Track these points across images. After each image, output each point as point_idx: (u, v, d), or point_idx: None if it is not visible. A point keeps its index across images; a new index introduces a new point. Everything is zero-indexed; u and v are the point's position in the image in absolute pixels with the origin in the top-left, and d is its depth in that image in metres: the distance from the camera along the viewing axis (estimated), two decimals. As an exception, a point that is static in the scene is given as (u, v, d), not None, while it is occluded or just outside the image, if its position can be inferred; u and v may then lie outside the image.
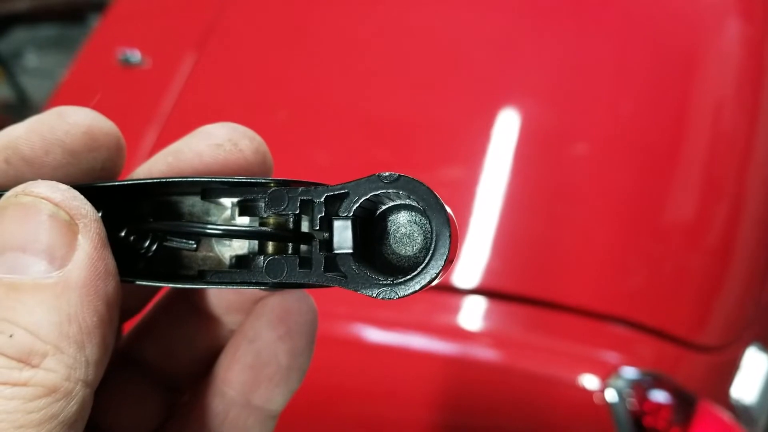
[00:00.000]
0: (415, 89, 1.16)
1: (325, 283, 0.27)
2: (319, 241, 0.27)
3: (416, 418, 0.95)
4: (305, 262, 0.27)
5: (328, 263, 0.27)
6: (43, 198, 0.24)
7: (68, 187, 0.25)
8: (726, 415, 0.92)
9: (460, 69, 1.17)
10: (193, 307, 0.31)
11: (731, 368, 1.03)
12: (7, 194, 0.24)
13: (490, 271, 0.98)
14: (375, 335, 0.97)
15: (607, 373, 0.88)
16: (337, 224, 0.28)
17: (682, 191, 1.08)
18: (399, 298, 0.26)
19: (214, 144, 0.30)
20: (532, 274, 0.99)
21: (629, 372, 0.89)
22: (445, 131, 1.12)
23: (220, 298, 0.31)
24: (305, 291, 0.31)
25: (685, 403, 0.90)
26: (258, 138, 0.31)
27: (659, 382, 0.90)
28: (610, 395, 0.87)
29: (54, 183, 0.25)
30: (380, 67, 1.19)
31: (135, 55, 1.26)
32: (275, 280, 0.27)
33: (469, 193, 1.04)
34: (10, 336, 0.23)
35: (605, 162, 1.07)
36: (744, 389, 1.03)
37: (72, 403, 0.23)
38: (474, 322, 0.96)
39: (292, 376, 0.30)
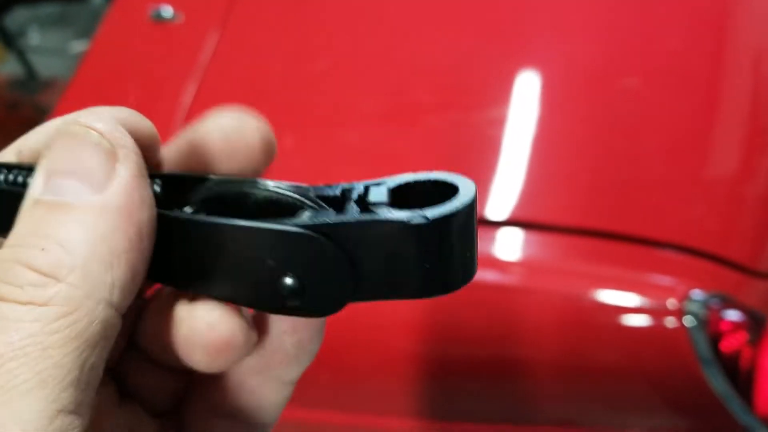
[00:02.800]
0: (459, 29, 1.15)
1: (360, 219, 0.27)
2: (355, 200, 0.28)
3: (481, 352, 0.96)
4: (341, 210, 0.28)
5: (362, 208, 0.28)
6: (89, 128, 0.25)
7: (113, 117, 0.26)
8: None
9: (506, 6, 1.16)
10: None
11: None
12: (62, 122, 0.26)
13: (551, 204, 0.98)
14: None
15: (679, 298, 0.88)
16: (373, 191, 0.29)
17: (733, 125, 1.08)
18: (429, 221, 0.26)
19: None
20: (591, 207, 0.99)
21: (699, 295, 0.89)
22: (483, 72, 1.11)
23: None
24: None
25: (757, 324, 0.90)
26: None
27: (730, 303, 0.90)
28: (687, 319, 0.87)
29: (100, 113, 0.26)
30: (423, 8, 1.18)
31: (167, 10, 1.24)
32: (315, 222, 0.27)
33: (521, 130, 1.03)
34: (42, 249, 0.24)
35: (656, 94, 1.07)
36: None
37: (94, 323, 0.23)
38: (538, 255, 0.96)
39: (302, 358, 0.30)
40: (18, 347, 0.22)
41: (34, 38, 2.59)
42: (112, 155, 0.25)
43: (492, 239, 0.96)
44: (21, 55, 2.27)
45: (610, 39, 1.11)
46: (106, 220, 0.24)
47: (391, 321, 0.96)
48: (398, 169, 1.01)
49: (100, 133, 0.25)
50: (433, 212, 0.26)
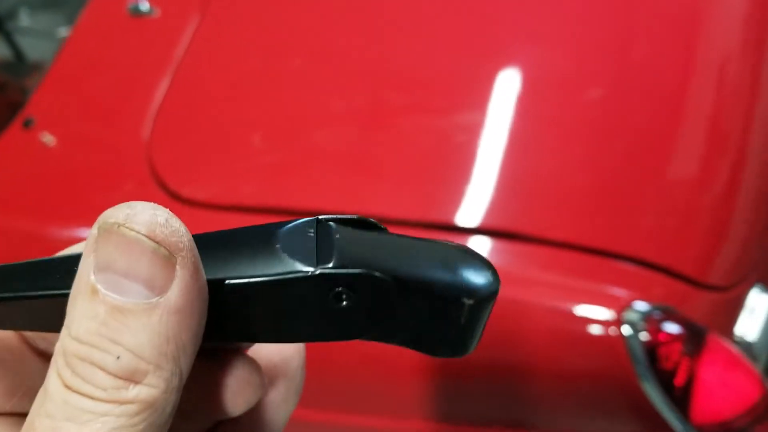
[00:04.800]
0: (427, 34, 1.17)
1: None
2: None
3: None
4: None
5: None
6: (146, 235, 0.26)
7: (167, 217, 0.27)
8: (734, 348, 0.95)
9: (473, 13, 1.18)
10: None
11: (736, 307, 1.07)
12: (112, 218, 0.26)
13: (504, 211, 1.01)
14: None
15: (620, 307, 0.91)
16: None
17: (692, 134, 1.10)
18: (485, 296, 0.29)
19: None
20: (544, 215, 1.01)
21: (641, 306, 0.92)
22: (458, 76, 1.13)
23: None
24: None
25: (695, 336, 0.93)
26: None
27: (671, 315, 0.93)
28: (625, 328, 0.89)
29: (153, 213, 0.27)
30: (393, 13, 1.20)
31: (144, 4, 1.26)
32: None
33: (480, 134, 1.05)
34: (118, 357, 0.25)
35: (616, 105, 1.09)
36: (747, 328, 1.07)
37: (167, 408, 0.26)
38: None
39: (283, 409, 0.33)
40: None
41: (23, 20, 2.60)
42: (170, 260, 0.26)
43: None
44: (10, 38, 2.29)
45: (578, 48, 1.13)
46: (171, 320, 0.26)
47: None
48: (366, 170, 1.04)
49: (158, 243, 0.26)
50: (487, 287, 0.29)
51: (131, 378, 0.25)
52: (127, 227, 0.26)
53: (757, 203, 1.11)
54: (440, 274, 0.29)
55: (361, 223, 0.31)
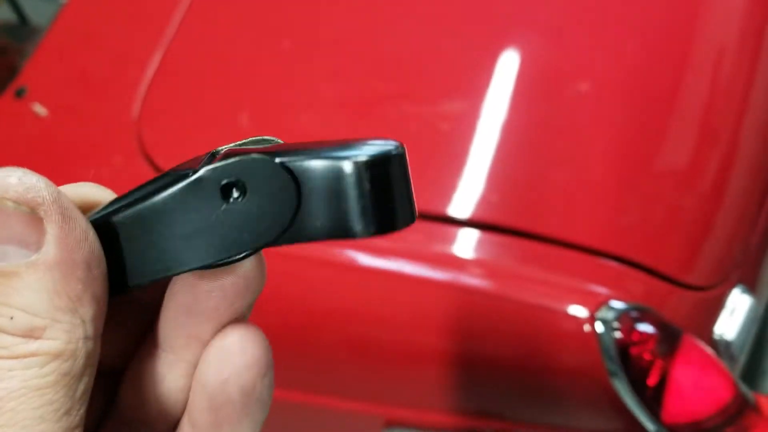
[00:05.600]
0: (417, 23, 1.16)
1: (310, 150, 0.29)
2: None
3: (402, 341, 0.99)
4: None
5: None
6: (1, 197, 0.26)
7: (20, 176, 0.27)
8: (708, 349, 0.95)
9: (463, 3, 1.17)
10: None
11: (716, 307, 1.07)
12: None
13: (486, 203, 1.01)
14: (369, 260, 0.99)
15: (595, 305, 0.91)
16: None
17: (680, 134, 1.10)
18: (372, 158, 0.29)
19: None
20: (526, 208, 1.02)
21: (617, 304, 0.92)
22: (447, 65, 1.13)
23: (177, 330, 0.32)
24: (254, 329, 0.32)
25: (670, 336, 0.93)
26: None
27: (646, 315, 0.93)
28: (599, 325, 0.90)
29: (6, 175, 0.27)
30: (382, 1, 1.20)
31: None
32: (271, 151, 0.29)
33: (468, 127, 1.06)
34: (11, 318, 0.26)
35: (604, 102, 1.09)
36: (727, 327, 1.07)
37: (78, 359, 0.27)
38: (467, 252, 0.98)
39: (253, 411, 0.31)
40: (15, 390, 0.26)
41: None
42: (35, 217, 0.27)
43: (425, 233, 0.99)
44: (14, 1, 2.28)
45: (564, 42, 1.12)
46: (53, 275, 0.26)
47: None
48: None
49: (15, 201, 0.26)
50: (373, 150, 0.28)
51: (30, 335, 0.26)
52: None
53: (741, 203, 1.11)
54: (327, 150, 0.29)
55: (260, 141, 0.31)
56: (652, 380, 0.91)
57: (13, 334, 0.26)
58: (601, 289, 0.95)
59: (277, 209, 0.29)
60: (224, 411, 0.31)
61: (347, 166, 0.28)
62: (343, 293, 1.00)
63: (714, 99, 1.13)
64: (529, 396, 0.98)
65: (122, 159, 1.11)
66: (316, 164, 0.29)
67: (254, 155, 0.29)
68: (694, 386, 0.94)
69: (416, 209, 0.30)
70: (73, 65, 1.24)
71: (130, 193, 0.30)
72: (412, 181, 0.30)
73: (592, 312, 0.91)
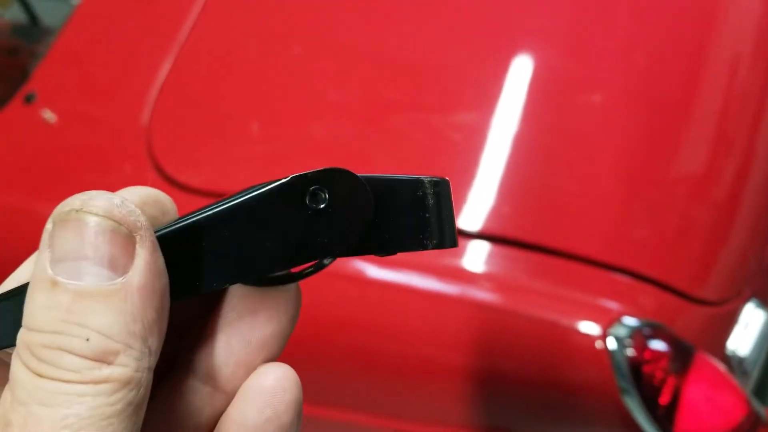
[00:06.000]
0: (428, 31, 1.15)
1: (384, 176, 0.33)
2: None
3: (415, 355, 0.98)
4: None
5: None
6: (104, 216, 0.27)
7: (122, 200, 0.27)
8: (721, 366, 0.94)
9: (475, 11, 1.16)
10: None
11: (729, 322, 1.06)
12: (68, 206, 0.27)
13: (497, 216, 1.00)
14: (379, 273, 0.99)
15: (608, 321, 0.90)
16: None
17: (692, 145, 1.09)
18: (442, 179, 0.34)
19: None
20: (537, 221, 1.01)
21: (630, 321, 0.91)
22: (458, 74, 1.12)
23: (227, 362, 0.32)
24: (290, 369, 0.33)
25: (682, 353, 0.92)
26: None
27: (659, 332, 0.92)
28: (611, 342, 0.89)
29: (109, 197, 0.27)
30: (395, 8, 1.19)
31: (152, -18, 1.26)
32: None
33: (478, 137, 1.05)
34: (87, 339, 0.26)
35: (616, 112, 1.08)
36: (740, 342, 1.06)
37: (142, 388, 0.27)
38: (479, 265, 0.97)
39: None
40: (85, 417, 0.25)
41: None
42: (130, 239, 0.27)
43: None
44: (25, 2, 2.28)
45: (575, 52, 1.11)
46: (135, 299, 0.27)
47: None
48: (360, 165, 1.03)
49: (117, 222, 0.27)
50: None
51: (103, 359, 0.26)
52: (84, 211, 0.27)
53: (755, 215, 1.09)
54: (396, 176, 0.32)
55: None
56: (664, 398, 0.90)
57: (86, 357, 0.26)
58: (613, 305, 0.94)
59: (354, 220, 0.31)
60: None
61: (419, 184, 0.33)
62: (353, 306, 1.00)
63: (727, 109, 1.12)
64: (539, 412, 0.97)
65: (131, 166, 1.11)
66: (392, 182, 0.32)
67: (343, 171, 0.31)
68: (707, 404, 0.93)
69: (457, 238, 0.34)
70: (83, 71, 1.24)
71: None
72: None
73: (604, 329, 0.90)
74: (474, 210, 0.99)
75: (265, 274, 0.31)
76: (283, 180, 0.31)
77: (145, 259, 0.27)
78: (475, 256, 0.97)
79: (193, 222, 0.31)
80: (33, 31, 2.30)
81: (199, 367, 0.32)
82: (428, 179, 0.33)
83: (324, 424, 1.03)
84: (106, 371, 0.26)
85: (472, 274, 0.96)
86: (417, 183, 0.33)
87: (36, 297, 0.27)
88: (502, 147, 1.03)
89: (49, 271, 0.26)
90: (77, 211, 0.27)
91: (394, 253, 0.33)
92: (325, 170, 0.31)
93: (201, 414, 0.32)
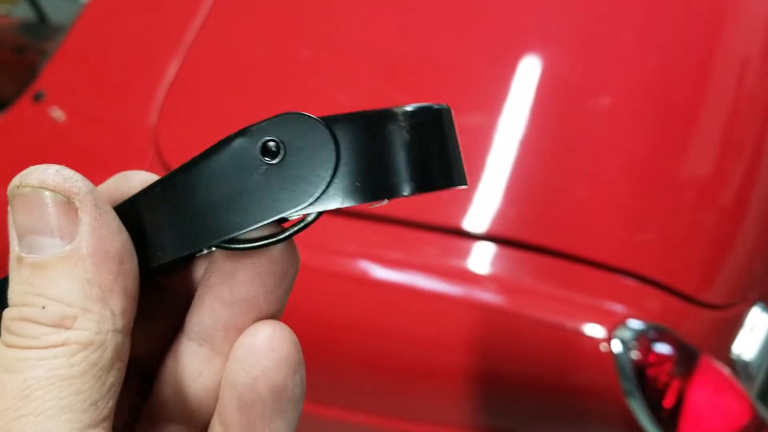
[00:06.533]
0: (436, 33, 1.16)
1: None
2: None
3: (419, 356, 0.98)
4: None
5: None
6: (39, 187, 0.28)
7: (57, 168, 0.28)
8: (726, 370, 0.94)
9: (483, 13, 1.16)
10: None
11: (734, 326, 1.06)
12: (10, 185, 0.28)
13: (503, 217, 1.00)
14: (384, 273, 0.99)
15: (613, 324, 0.91)
16: None
17: (700, 149, 1.09)
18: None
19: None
20: (544, 223, 1.01)
21: (635, 324, 0.91)
22: (466, 76, 1.12)
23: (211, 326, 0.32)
24: (282, 328, 0.31)
25: (687, 357, 0.92)
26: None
27: (664, 335, 0.92)
28: (616, 345, 0.89)
29: (44, 169, 0.28)
30: (402, 10, 1.19)
31: (160, -18, 1.26)
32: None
33: (486, 139, 1.05)
34: (43, 307, 0.27)
35: (624, 115, 1.08)
36: (745, 346, 1.06)
37: (107, 350, 0.27)
38: (484, 267, 0.98)
39: (285, 410, 0.31)
40: (43, 379, 0.26)
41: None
42: (70, 205, 0.28)
43: (441, 247, 0.98)
44: (32, 0, 2.29)
45: (584, 55, 1.11)
46: (86, 265, 0.27)
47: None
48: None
49: (52, 190, 0.28)
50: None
51: (60, 324, 0.27)
52: (23, 185, 0.28)
53: (762, 220, 1.09)
54: (366, 111, 0.28)
55: None
56: (668, 402, 0.90)
57: (44, 324, 0.27)
58: (618, 308, 0.94)
59: (316, 169, 0.28)
60: (255, 410, 0.31)
61: (385, 117, 0.28)
62: (358, 307, 1.00)
63: (736, 113, 1.12)
64: (544, 413, 0.97)
65: (139, 166, 1.11)
66: (355, 120, 0.28)
67: (294, 113, 0.28)
68: (711, 408, 0.93)
69: (465, 176, 0.31)
70: (92, 71, 1.24)
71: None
72: (459, 145, 0.31)
73: (609, 331, 0.90)
74: (480, 212, 0.99)
75: (227, 238, 0.29)
76: (232, 136, 0.29)
77: (88, 224, 0.28)
78: (481, 258, 0.98)
79: (150, 188, 0.30)
80: (41, 29, 2.31)
81: (194, 332, 0.32)
82: (401, 110, 0.28)
83: (328, 424, 1.04)
84: (63, 335, 0.27)
85: (478, 275, 0.96)
86: (387, 116, 0.28)
87: (10, 274, 0.28)
88: (509, 149, 1.03)
89: (16, 248, 0.28)
90: (18, 186, 0.28)
91: (365, 203, 0.29)
92: (273, 118, 0.29)
93: (203, 377, 0.32)
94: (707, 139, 1.09)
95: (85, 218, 0.28)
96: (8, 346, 0.27)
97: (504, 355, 0.94)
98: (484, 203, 1.00)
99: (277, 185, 0.29)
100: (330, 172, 0.28)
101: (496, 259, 0.98)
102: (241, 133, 0.29)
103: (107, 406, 0.27)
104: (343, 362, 1.00)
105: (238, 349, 0.31)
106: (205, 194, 0.29)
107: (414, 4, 1.20)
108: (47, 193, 0.28)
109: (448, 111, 0.30)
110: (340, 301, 0.99)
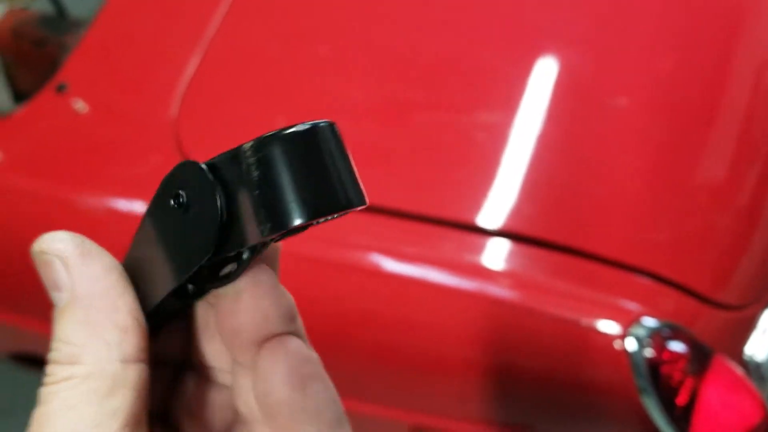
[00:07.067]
0: (453, 31, 1.17)
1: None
2: None
3: (434, 349, 0.99)
4: None
5: None
6: (41, 252, 0.33)
7: (50, 233, 0.34)
8: (739, 370, 0.94)
9: (502, 12, 1.17)
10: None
11: (748, 327, 1.06)
12: (33, 249, 0.34)
13: (519, 214, 1.01)
14: (401, 268, 1.00)
15: (628, 321, 0.91)
16: None
17: (716, 149, 1.09)
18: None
19: None
20: (559, 221, 1.01)
21: (649, 321, 0.92)
22: (483, 74, 1.13)
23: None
24: (288, 341, 0.34)
25: (701, 355, 0.93)
26: None
27: (678, 334, 0.93)
28: (630, 342, 0.90)
29: (41, 235, 0.34)
30: (421, 8, 1.20)
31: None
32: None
33: (502, 137, 1.06)
34: (59, 349, 0.32)
35: (641, 115, 1.08)
36: (758, 347, 1.06)
37: (106, 379, 0.32)
38: (500, 262, 0.98)
39: (304, 420, 0.34)
40: (57, 409, 0.31)
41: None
42: (61, 263, 0.33)
43: (457, 242, 0.99)
44: (52, -7, 2.30)
45: (600, 54, 1.12)
46: (80, 309, 0.32)
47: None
48: (385, 162, 1.04)
49: (50, 253, 0.33)
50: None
51: (71, 361, 0.32)
52: (35, 252, 0.34)
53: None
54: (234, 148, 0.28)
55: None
56: (681, 399, 0.91)
57: (60, 363, 0.32)
58: (633, 306, 0.95)
59: (207, 215, 0.29)
60: (278, 421, 0.34)
61: (239, 155, 0.28)
62: (372, 299, 1.01)
63: (752, 114, 1.12)
64: (556, 409, 0.98)
65: (160, 158, 1.12)
66: (228, 157, 0.28)
67: (186, 162, 0.29)
68: (724, 407, 0.93)
69: (363, 194, 0.29)
70: (114, 63, 1.26)
71: None
72: (348, 159, 0.29)
73: (624, 329, 0.91)
74: (496, 208, 1.00)
75: (171, 289, 0.32)
76: (158, 186, 0.31)
77: (74, 273, 0.33)
78: (497, 254, 0.98)
79: (131, 246, 0.34)
80: (60, 22, 2.32)
81: (209, 363, 0.37)
82: (248, 145, 0.28)
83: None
84: (69, 370, 0.32)
85: (494, 271, 0.97)
86: (237, 154, 0.28)
87: None
88: (526, 147, 1.04)
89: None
90: (33, 253, 0.34)
91: (266, 240, 0.28)
92: (174, 168, 0.30)
93: (215, 405, 0.37)
94: (723, 139, 1.10)
95: (71, 269, 0.33)
96: (42, 384, 0.32)
97: (519, 350, 0.95)
98: (500, 200, 1.01)
99: (189, 234, 0.30)
100: (217, 217, 0.29)
101: (512, 255, 0.99)
102: (162, 184, 0.31)
103: (111, 428, 0.31)
104: (354, 353, 1.01)
105: (253, 374, 0.34)
106: (158, 242, 0.32)
107: (433, 3, 1.21)
108: (42, 255, 0.33)
109: (326, 128, 0.29)
110: (355, 293, 1.00)
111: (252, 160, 0.28)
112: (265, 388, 0.33)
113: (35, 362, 1.43)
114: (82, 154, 1.17)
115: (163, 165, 1.10)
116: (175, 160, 1.09)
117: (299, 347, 0.34)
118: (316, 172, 0.28)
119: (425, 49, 1.16)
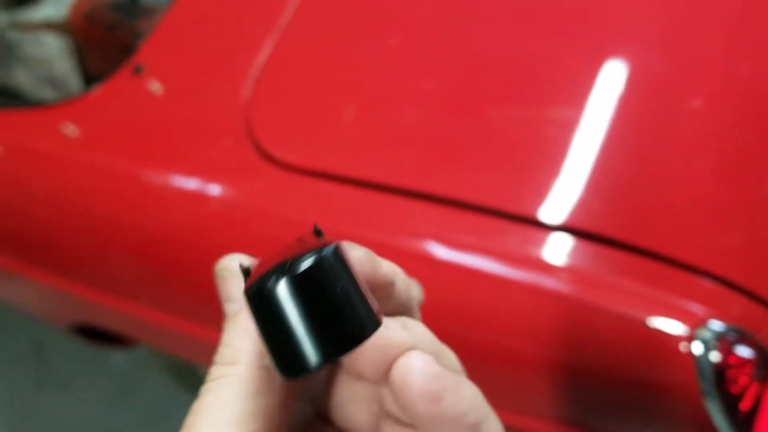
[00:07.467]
0: (525, 26, 1.16)
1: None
2: None
3: (494, 342, 0.99)
4: None
5: None
6: (232, 272, 0.41)
7: (230, 256, 0.42)
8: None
9: (578, 10, 1.17)
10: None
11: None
12: (216, 266, 0.41)
13: (586, 211, 1.00)
14: (466, 259, 1.00)
15: (695, 324, 0.90)
16: None
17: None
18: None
19: None
20: (627, 220, 1.00)
21: (716, 325, 0.91)
22: (555, 70, 1.13)
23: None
24: (416, 358, 0.37)
25: (766, 361, 0.91)
26: None
27: (745, 338, 0.91)
28: (697, 345, 0.89)
29: (228, 257, 0.42)
30: (496, 4, 1.20)
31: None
32: None
33: (571, 133, 1.05)
34: (219, 352, 0.38)
35: (715, 117, 1.07)
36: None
37: (253, 382, 0.36)
38: (564, 258, 0.98)
39: (441, 427, 0.36)
40: (212, 403, 0.36)
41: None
42: (238, 280, 0.40)
43: (529, 240, 0.99)
44: (125, -21, 2.35)
45: (677, 54, 1.11)
46: (240, 318, 0.38)
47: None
48: (452, 153, 1.04)
49: (228, 270, 0.40)
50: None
51: (230, 362, 0.37)
52: (216, 269, 0.41)
53: None
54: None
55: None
56: (745, 405, 0.90)
57: (220, 363, 0.37)
58: (700, 309, 0.93)
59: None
60: (420, 428, 0.37)
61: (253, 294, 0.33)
62: (432, 289, 1.01)
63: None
64: (616, 408, 0.97)
65: (230, 141, 1.14)
66: (254, 293, 0.33)
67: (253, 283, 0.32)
68: (789, 415, 0.92)
69: (375, 318, 0.30)
70: (189, 47, 1.29)
71: None
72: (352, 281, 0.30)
73: (691, 331, 0.89)
74: (563, 204, 1.00)
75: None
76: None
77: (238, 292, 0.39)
78: (562, 249, 0.98)
79: None
80: (131, 8, 2.37)
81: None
82: (252, 289, 0.32)
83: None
84: (226, 370, 0.37)
85: (558, 267, 0.97)
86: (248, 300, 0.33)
87: None
88: (595, 144, 1.04)
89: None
90: (216, 269, 0.41)
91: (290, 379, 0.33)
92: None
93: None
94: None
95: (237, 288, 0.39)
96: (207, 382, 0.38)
97: (581, 347, 0.95)
98: (568, 195, 1.00)
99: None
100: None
101: (577, 251, 0.98)
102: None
103: (253, 421, 0.36)
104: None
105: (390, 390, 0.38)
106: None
107: (507, 1, 1.21)
108: (227, 272, 0.40)
109: (327, 258, 0.30)
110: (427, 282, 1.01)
111: (253, 304, 0.33)
112: (403, 404, 0.36)
113: (95, 336, 1.47)
114: (154, 133, 1.20)
115: (233, 148, 1.12)
116: (245, 144, 1.12)
117: (423, 365, 0.36)
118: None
119: (499, 44, 1.16)
